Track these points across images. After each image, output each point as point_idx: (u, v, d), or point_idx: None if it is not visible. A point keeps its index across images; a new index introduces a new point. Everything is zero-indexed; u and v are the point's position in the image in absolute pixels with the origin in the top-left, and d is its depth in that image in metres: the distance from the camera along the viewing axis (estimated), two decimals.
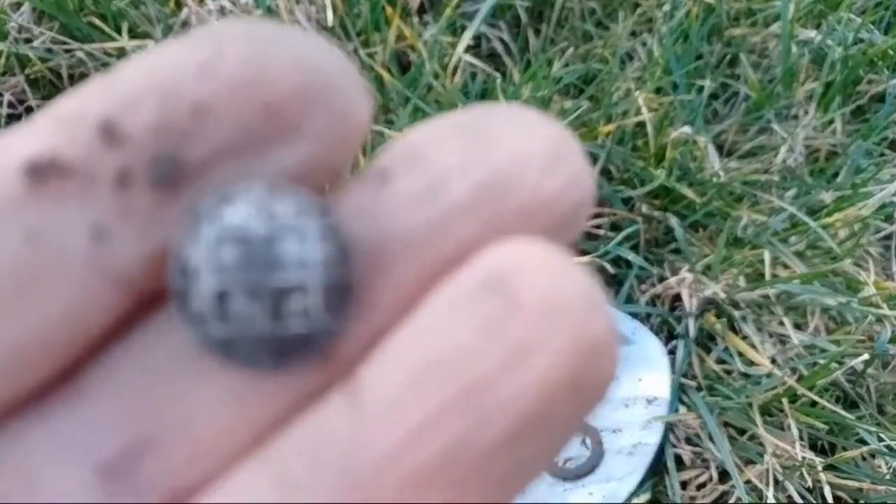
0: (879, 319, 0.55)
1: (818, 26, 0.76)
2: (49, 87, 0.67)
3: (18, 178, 0.11)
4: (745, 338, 0.55)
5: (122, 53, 0.65)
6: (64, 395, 0.12)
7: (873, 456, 0.52)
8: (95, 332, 0.11)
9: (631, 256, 0.58)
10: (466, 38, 0.66)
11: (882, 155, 0.70)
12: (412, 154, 0.12)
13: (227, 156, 0.11)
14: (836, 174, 0.68)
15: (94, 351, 0.12)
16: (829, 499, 0.47)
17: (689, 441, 0.52)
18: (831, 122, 0.72)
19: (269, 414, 0.11)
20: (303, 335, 0.11)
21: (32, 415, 0.11)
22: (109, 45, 0.64)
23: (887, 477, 0.50)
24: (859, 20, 0.75)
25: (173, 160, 0.11)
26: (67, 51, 0.65)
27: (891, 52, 0.74)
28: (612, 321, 0.11)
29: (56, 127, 0.11)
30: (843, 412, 0.50)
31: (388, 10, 0.65)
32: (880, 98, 0.75)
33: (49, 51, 0.66)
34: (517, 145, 0.11)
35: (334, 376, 0.11)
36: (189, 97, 0.11)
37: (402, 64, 0.68)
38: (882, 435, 0.51)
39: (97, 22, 0.65)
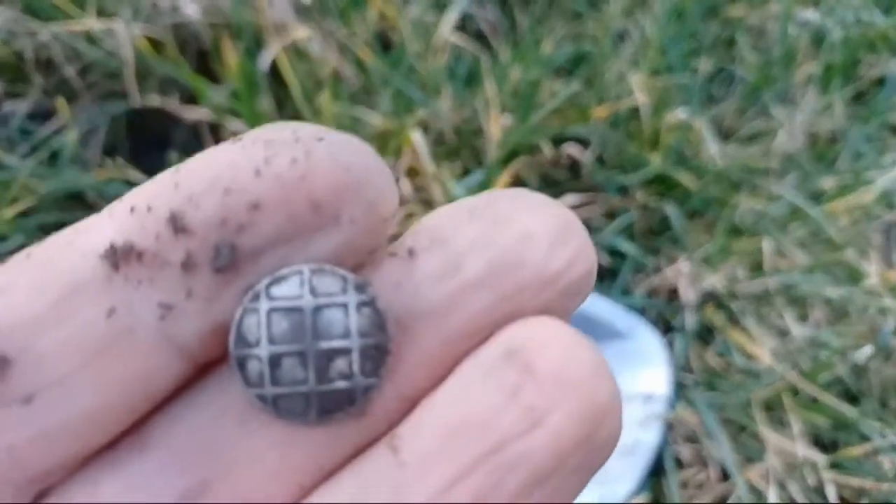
0: (882, 310, 0.53)
1: (816, 4, 0.74)
2: (13, 71, 0.64)
3: (99, 262, 0.13)
4: (744, 330, 0.52)
5: (89, 36, 0.62)
6: (131, 445, 0.13)
7: (877, 452, 0.50)
8: (159, 396, 0.13)
9: (626, 246, 0.56)
10: (451, 17, 0.62)
11: (883, 140, 0.68)
12: (434, 235, 0.14)
13: (277, 243, 0.13)
14: (836, 159, 0.66)
15: (157, 406, 0.14)
16: (833, 498, 0.45)
17: (687, 438, 0.50)
18: (831, 105, 0.69)
19: (314, 462, 0.13)
20: (345, 391, 0.13)
21: (104, 462, 0.13)
22: (75, 26, 0.61)
23: (892, 475, 0.48)
24: (859, 0, 0.73)
25: (232, 248, 0.13)
26: (31, 34, 0.62)
27: (891, 33, 0.72)
28: (617, 387, 0.13)
29: (130, 218, 0.13)
30: (846, 407, 0.48)
31: None
32: (881, 81, 0.73)
33: (13, 31, 0.63)
34: (525, 226, 0.13)
35: (370, 433, 0.13)
36: (246, 194, 0.13)
37: (385, 44, 0.65)
38: (887, 431, 0.49)
39: (62, 2, 0.61)
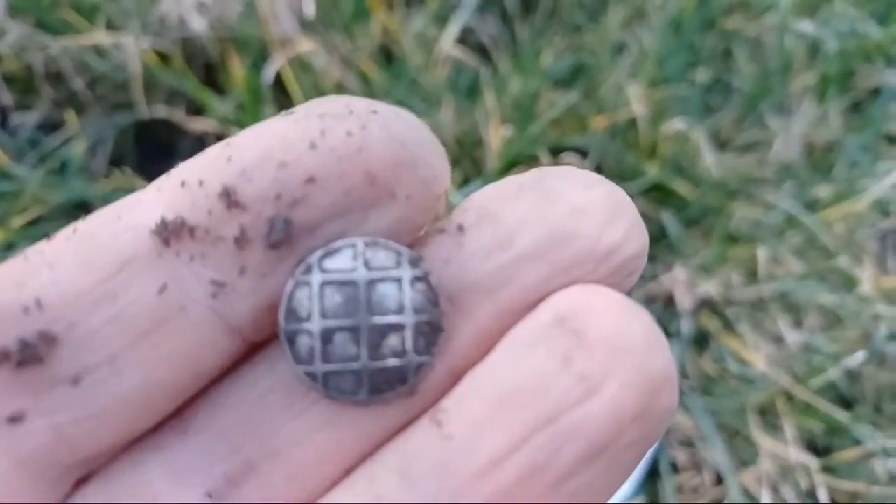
0: (875, 317, 0.54)
1: (812, 15, 0.75)
2: (24, 83, 0.65)
3: (150, 237, 0.12)
4: (739, 337, 0.53)
5: (98, 49, 0.63)
6: (175, 427, 0.13)
7: (869, 456, 0.51)
8: (208, 374, 0.13)
9: None
10: (452, 30, 0.64)
11: (878, 149, 0.69)
12: (482, 211, 0.13)
13: (332, 218, 0.13)
14: (832, 168, 0.67)
15: (205, 386, 0.13)
16: (825, 501, 0.46)
17: (683, 443, 0.51)
18: (827, 115, 0.70)
19: (362, 441, 0.13)
20: (397, 369, 0.13)
21: (149, 444, 0.13)
22: (85, 40, 0.62)
23: (884, 478, 0.49)
24: (854, 11, 0.74)
25: (286, 223, 0.12)
26: (42, 47, 0.63)
27: (886, 44, 0.73)
28: (672, 358, 0.12)
29: (181, 192, 0.13)
30: (839, 412, 0.49)
31: (372, 2, 0.63)
32: (876, 91, 0.74)
33: (24, 45, 0.64)
34: (577, 201, 0.13)
35: (420, 409, 0.13)
36: (301, 168, 0.12)
37: (388, 57, 0.66)
38: (879, 435, 0.50)
39: (71, 16, 0.63)
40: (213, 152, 0.13)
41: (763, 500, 0.45)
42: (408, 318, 0.13)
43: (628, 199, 0.13)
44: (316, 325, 0.13)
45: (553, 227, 0.13)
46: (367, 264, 0.13)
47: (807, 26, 0.72)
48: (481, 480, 0.12)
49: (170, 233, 0.12)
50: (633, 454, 0.12)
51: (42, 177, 0.60)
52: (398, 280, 0.13)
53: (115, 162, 0.65)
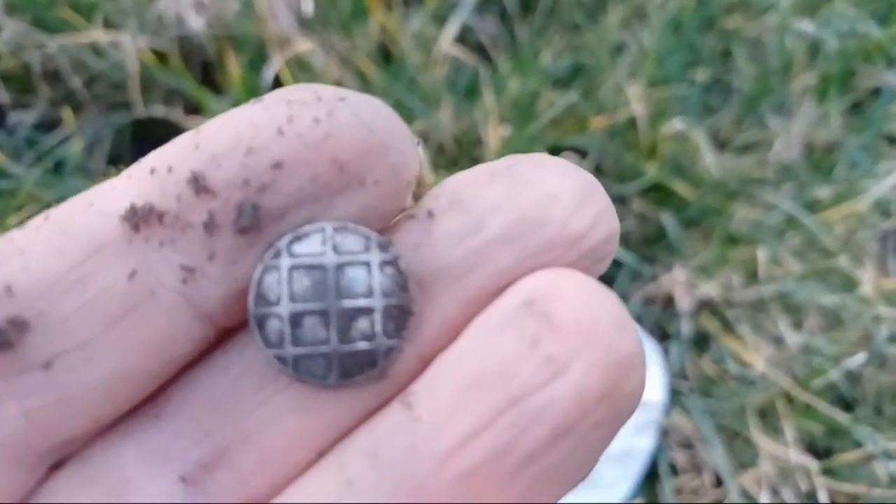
0: (876, 318, 0.53)
1: (813, 15, 0.75)
2: (21, 82, 0.65)
3: (120, 224, 0.12)
4: (739, 338, 0.53)
5: (95, 48, 0.63)
6: (148, 412, 0.13)
7: (870, 459, 0.51)
8: (180, 361, 0.13)
9: (623, 255, 0.57)
10: (451, 30, 0.63)
11: (878, 149, 0.69)
12: (453, 197, 0.13)
13: (299, 204, 0.13)
14: (832, 169, 0.66)
15: (177, 372, 0.13)
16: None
17: (682, 445, 0.50)
18: (827, 115, 0.70)
19: (333, 425, 0.13)
20: (367, 352, 0.13)
21: (122, 429, 0.13)
22: (82, 38, 0.62)
23: (884, 481, 0.49)
24: (854, 11, 0.74)
25: (254, 208, 0.12)
26: (40, 45, 0.63)
27: (886, 44, 0.73)
28: (640, 340, 0.12)
29: (150, 179, 0.13)
30: (839, 414, 0.49)
31: (370, 1, 0.63)
32: (877, 91, 0.73)
33: (22, 44, 0.64)
34: (548, 187, 0.13)
35: (391, 393, 0.13)
36: (269, 154, 0.12)
37: (386, 56, 0.66)
38: (880, 437, 0.49)
39: (69, 15, 0.63)
40: (182, 140, 0.13)
41: (762, 502, 0.45)
42: (377, 302, 0.13)
43: (598, 184, 0.13)
44: (285, 308, 0.13)
45: (523, 212, 0.13)
46: (335, 248, 0.13)
47: (807, 26, 0.72)
48: (447, 463, 0.12)
49: (139, 219, 0.12)
50: (600, 435, 0.12)
51: (39, 175, 0.59)
52: (367, 264, 0.13)
53: (113, 161, 0.64)
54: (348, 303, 0.13)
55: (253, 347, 0.13)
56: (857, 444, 0.50)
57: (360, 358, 0.13)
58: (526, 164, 0.13)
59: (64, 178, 0.61)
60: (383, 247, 0.13)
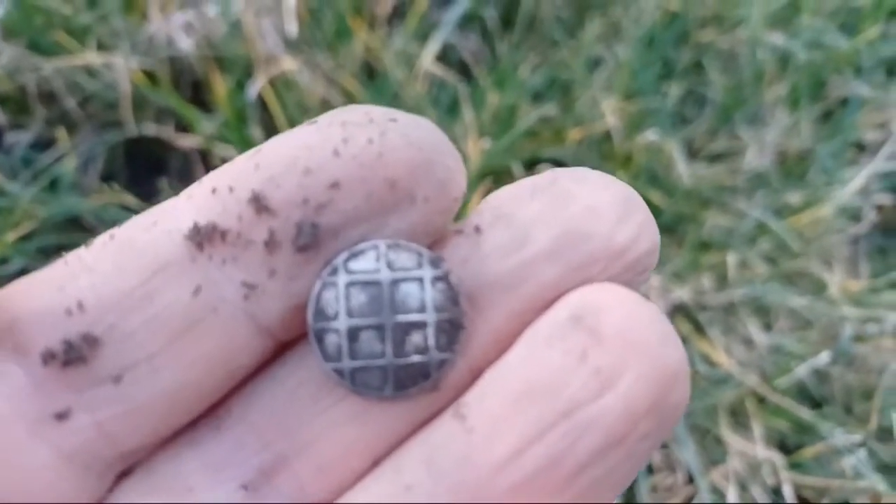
0: (841, 319, 0.55)
1: (786, 28, 0.77)
2: (17, 103, 0.67)
3: (184, 242, 0.13)
4: (710, 340, 0.55)
5: (89, 70, 0.65)
6: (210, 423, 0.14)
7: (837, 453, 0.52)
8: (241, 374, 0.14)
9: None
10: (432, 48, 0.66)
11: (847, 156, 0.71)
12: (498, 212, 0.14)
13: (356, 221, 0.13)
14: (804, 175, 0.69)
15: (237, 384, 0.14)
16: (791, 497, 0.47)
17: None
18: (799, 124, 0.72)
19: (388, 435, 0.14)
20: (421, 365, 0.13)
21: (186, 439, 0.14)
22: (76, 61, 0.64)
23: (849, 473, 0.50)
24: (822, 23, 0.76)
25: (313, 226, 0.13)
26: (35, 69, 0.65)
27: (853, 56, 0.75)
28: (684, 353, 0.13)
29: (212, 199, 0.13)
30: (804, 411, 0.51)
31: (354, 21, 0.65)
32: (846, 100, 0.76)
33: (17, 67, 0.66)
34: (590, 201, 0.13)
35: (443, 404, 0.14)
36: (326, 174, 0.13)
37: (370, 73, 0.68)
38: (843, 432, 0.51)
39: (63, 39, 0.65)
40: (241, 161, 0.14)
41: (730, 499, 0.47)
42: (430, 316, 0.13)
43: (639, 197, 0.14)
44: (343, 323, 0.13)
45: (567, 226, 0.13)
46: (389, 265, 0.13)
47: (777, 38, 0.74)
48: (502, 472, 0.12)
49: (202, 237, 0.13)
50: (647, 446, 0.13)
51: (35, 193, 0.61)
52: (420, 280, 0.13)
53: (107, 178, 0.66)
54: (402, 317, 0.13)
55: (309, 360, 0.14)
56: (824, 440, 0.51)
57: (414, 370, 0.13)
58: (567, 179, 0.14)
59: (59, 195, 0.63)
60: (435, 263, 0.14)
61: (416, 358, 0.13)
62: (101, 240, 0.13)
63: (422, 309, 0.13)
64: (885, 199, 0.68)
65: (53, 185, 0.64)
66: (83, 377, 0.13)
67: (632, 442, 0.12)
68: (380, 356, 0.13)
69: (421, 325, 0.13)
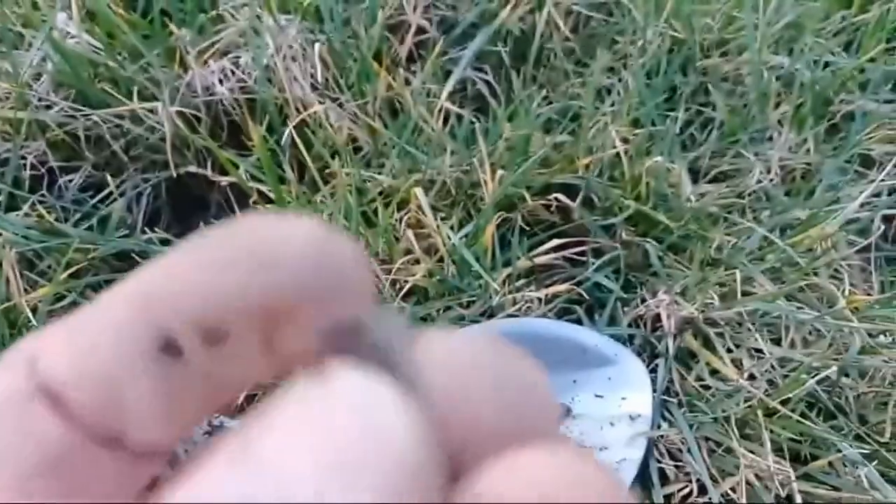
0: (850, 332, 0.58)
1: (790, 52, 0.80)
2: (68, 149, 0.73)
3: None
4: (719, 355, 0.58)
5: (133, 116, 0.71)
6: None
7: (855, 466, 0.54)
8: None
9: (609, 283, 0.62)
10: (450, 86, 0.70)
11: (856, 171, 0.73)
12: None
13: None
14: (811, 193, 0.71)
15: None
16: None
17: (671, 456, 0.55)
18: (805, 142, 0.75)
19: None
20: None
21: None
22: (122, 109, 0.70)
23: (863, 486, 0.53)
24: (824, 44, 0.79)
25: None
26: (84, 116, 0.71)
27: (857, 74, 0.78)
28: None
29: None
30: (814, 423, 0.53)
31: (376, 64, 0.70)
32: (852, 115, 0.78)
33: (68, 116, 0.72)
34: None
35: None
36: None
37: (394, 110, 0.73)
38: (856, 444, 0.53)
39: (109, 89, 0.71)
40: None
41: None
42: None
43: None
44: None
45: None
46: None
47: (781, 60, 0.77)
48: None
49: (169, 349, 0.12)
50: None
51: (85, 233, 0.67)
52: None
53: (152, 215, 0.72)
54: None
55: None
56: (837, 451, 0.54)
57: None
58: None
59: (108, 233, 0.68)
60: None
61: None
62: None
63: None
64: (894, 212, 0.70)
65: (102, 224, 0.69)
66: None
67: None
68: None
69: None
